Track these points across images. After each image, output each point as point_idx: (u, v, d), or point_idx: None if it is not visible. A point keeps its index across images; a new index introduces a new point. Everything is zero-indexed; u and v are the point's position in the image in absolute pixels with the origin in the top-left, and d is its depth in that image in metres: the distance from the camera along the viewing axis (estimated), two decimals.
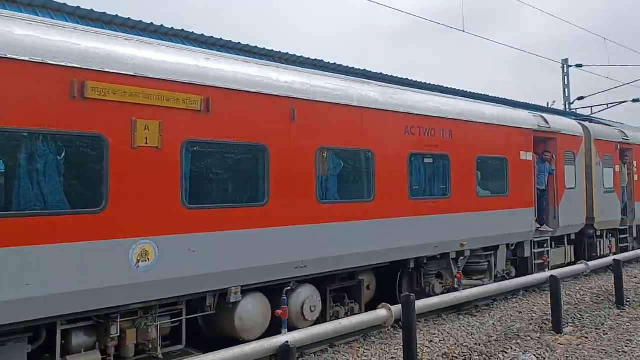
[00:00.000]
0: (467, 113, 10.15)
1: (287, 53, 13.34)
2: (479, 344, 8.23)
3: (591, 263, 11.31)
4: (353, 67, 13.85)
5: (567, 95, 28.85)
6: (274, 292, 7.10)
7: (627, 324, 9.45)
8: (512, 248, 11.48)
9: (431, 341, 8.31)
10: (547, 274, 9.66)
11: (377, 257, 8.37)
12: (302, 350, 7.34)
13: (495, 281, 10.57)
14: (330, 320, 7.36)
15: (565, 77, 28.77)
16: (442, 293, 9.42)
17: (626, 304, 10.79)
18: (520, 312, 10.15)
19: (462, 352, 7.86)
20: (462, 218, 9.82)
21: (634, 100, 28.06)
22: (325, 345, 7.75)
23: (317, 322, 7.44)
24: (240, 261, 6.43)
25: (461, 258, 10.21)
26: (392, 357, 7.55)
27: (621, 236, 15.68)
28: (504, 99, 20.53)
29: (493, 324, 9.38)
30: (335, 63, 13.63)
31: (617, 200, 15.20)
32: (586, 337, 8.62)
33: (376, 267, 8.70)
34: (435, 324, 9.31)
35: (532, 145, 11.76)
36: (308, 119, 7.34)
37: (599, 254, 13.96)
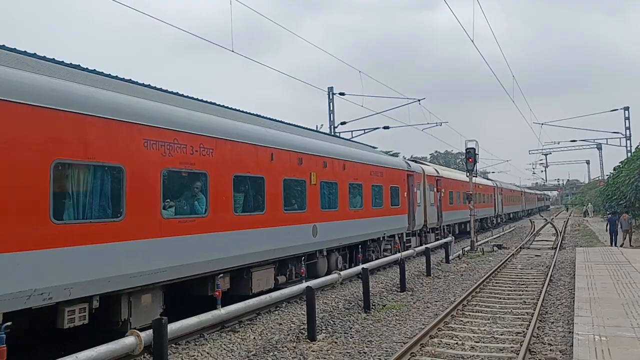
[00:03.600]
0: None
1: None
2: None
3: (343, 272, 12.39)
4: (116, 76, 12.83)
5: (332, 119, 31.74)
6: None
7: (370, 326, 10.54)
8: None
9: None
10: (303, 285, 10.22)
11: None
12: None
13: None
14: None
15: (331, 103, 31.65)
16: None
17: (372, 308, 12.06)
18: (281, 324, 10.53)
19: None
20: None
21: (384, 127, 32.24)
22: None
23: None
24: None
25: None
26: None
27: None
28: None
29: (254, 338, 9.53)
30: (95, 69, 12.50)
31: None
32: (336, 342, 9.32)
33: None
34: (196, 344, 9.04)
35: None
36: None
37: None
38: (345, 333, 9.95)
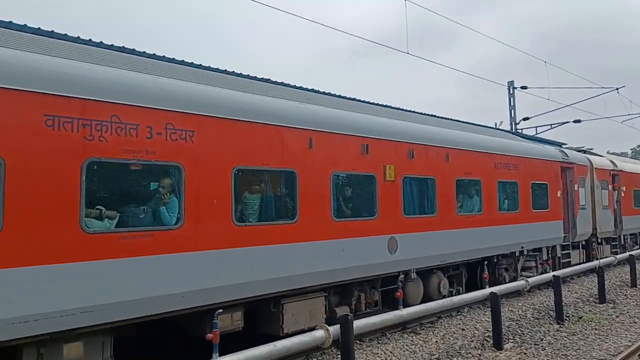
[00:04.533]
0: None
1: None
2: None
3: (531, 279, 11.56)
4: (301, 87, 13.80)
5: (513, 115, 29.85)
6: None
7: (565, 339, 9.65)
8: None
9: None
10: (487, 290, 9.79)
11: None
12: None
13: None
14: None
15: (511, 98, 29.79)
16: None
17: (566, 319, 11.04)
18: (464, 329, 10.22)
19: None
20: None
21: (575, 121, 29.28)
22: None
23: None
24: None
25: None
26: None
27: None
28: None
29: (436, 341, 9.40)
30: (282, 82, 13.60)
31: None
32: (525, 353, 8.73)
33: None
34: (379, 343, 9.24)
35: None
36: None
37: None
38: (535, 344, 9.27)
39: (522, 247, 13.89)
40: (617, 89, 26.93)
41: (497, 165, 13.07)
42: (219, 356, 5.93)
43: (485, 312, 11.45)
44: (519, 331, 10.15)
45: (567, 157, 16.77)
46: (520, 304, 12.52)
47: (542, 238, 14.80)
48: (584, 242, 17.52)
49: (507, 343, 9.26)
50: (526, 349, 8.96)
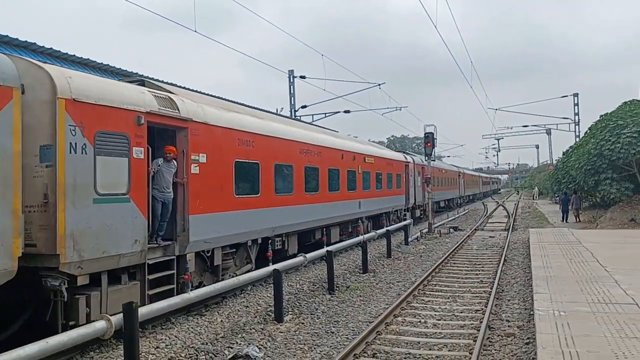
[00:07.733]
0: None
1: None
2: (206, 343, 8.26)
3: (309, 255, 12.50)
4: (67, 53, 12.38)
5: (292, 103, 31.65)
6: None
7: (336, 307, 10.74)
8: None
9: (157, 347, 7.99)
10: (270, 268, 10.29)
11: None
12: None
13: None
14: None
15: (291, 86, 31.52)
16: None
17: (336, 289, 12.27)
18: (247, 307, 10.59)
19: (189, 354, 7.77)
20: None
21: (345, 112, 32.40)
22: None
23: None
24: None
25: None
26: None
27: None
28: None
29: (221, 321, 9.55)
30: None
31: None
32: (303, 323, 9.47)
33: None
34: (163, 328, 8.99)
35: None
36: None
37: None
38: (311, 314, 10.11)
39: None
40: (379, 84, 30.57)
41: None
42: None
43: (267, 288, 12.03)
44: (297, 303, 10.93)
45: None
46: (298, 279, 13.49)
47: None
48: None
49: (287, 315, 9.91)
50: (303, 319, 9.72)
